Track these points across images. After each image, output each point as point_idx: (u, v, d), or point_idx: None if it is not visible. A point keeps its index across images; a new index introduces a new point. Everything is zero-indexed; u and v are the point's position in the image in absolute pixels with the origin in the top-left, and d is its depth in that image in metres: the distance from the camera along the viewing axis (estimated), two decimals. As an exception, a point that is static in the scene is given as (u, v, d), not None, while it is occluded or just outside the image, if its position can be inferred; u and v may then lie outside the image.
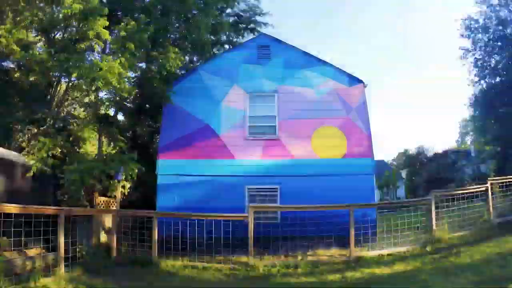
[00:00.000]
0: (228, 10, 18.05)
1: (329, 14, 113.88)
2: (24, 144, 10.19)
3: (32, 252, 6.94)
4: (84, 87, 10.46)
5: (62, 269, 6.23)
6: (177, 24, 12.76)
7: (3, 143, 10.77)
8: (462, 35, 20.92)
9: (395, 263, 6.83)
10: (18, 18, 10.27)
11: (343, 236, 8.21)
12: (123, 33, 9.20)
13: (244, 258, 7.80)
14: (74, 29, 12.56)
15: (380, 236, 10.30)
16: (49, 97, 14.26)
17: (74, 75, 8.91)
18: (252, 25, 18.92)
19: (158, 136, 13.01)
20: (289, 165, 10.47)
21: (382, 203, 14.13)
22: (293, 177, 10.34)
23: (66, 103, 16.05)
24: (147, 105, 13.09)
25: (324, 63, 11.59)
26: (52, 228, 6.41)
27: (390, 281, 5.74)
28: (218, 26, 15.02)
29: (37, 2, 11.19)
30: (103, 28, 9.59)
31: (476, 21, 20.39)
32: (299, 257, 8.22)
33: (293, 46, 11.78)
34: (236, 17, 18.72)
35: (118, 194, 9.41)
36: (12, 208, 5.89)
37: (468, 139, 43.32)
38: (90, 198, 10.33)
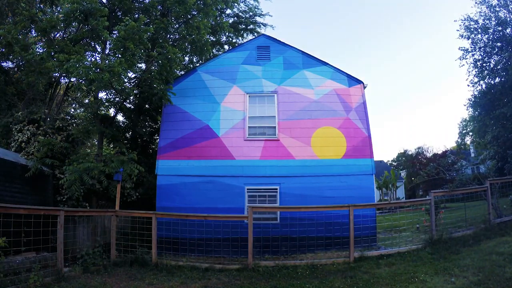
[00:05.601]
0: (228, 11, 18.12)
1: (329, 13, 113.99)
2: (23, 145, 10.19)
3: (31, 252, 6.94)
4: (83, 87, 10.47)
5: (61, 269, 6.23)
6: (177, 25, 12.78)
7: (2, 143, 10.76)
8: (461, 36, 20.93)
9: (395, 263, 6.83)
10: (17, 18, 10.27)
11: (342, 236, 8.21)
12: (122, 33, 9.20)
13: (243, 259, 7.80)
14: (74, 29, 12.59)
15: (380, 236, 10.33)
16: (48, 97, 14.29)
17: (73, 74, 8.89)
18: (251, 26, 18.98)
19: (158, 137, 13.01)
20: (288, 165, 10.47)
21: (382, 203, 14.12)
22: (292, 177, 10.34)
23: (66, 103, 16.07)
24: (147, 105, 13.10)
25: (324, 63, 11.59)
26: (52, 228, 6.41)
27: (390, 281, 5.74)
28: (218, 27, 15.04)
29: (37, 2, 11.21)
30: (103, 28, 9.60)
31: (476, 21, 20.39)
32: (299, 258, 8.22)
33: (293, 47, 11.79)
34: (235, 18, 18.77)
35: (118, 194, 9.40)
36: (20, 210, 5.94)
37: (468, 140, 43.24)
38: (90, 199, 10.33)
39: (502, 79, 19.60)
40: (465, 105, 23.91)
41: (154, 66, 11.55)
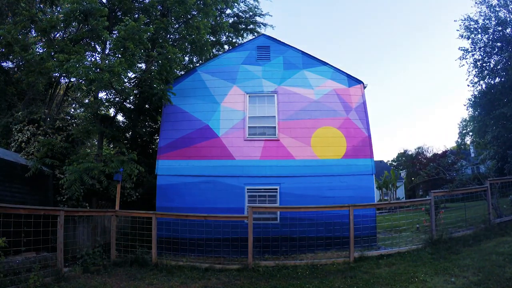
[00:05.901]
0: (228, 11, 18.13)
1: (330, 13, 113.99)
2: (23, 145, 10.19)
3: (31, 252, 6.94)
4: (84, 87, 10.47)
5: (61, 269, 6.23)
6: (177, 25, 12.78)
7: (2, 143, 10.76)
8: (461, 36, 20.94)
9: (395, 263, 6.83)
10: (17, 18, 10.27)
11: (342, 236, 8.21)
12: (122, 33, 9.19)
13: (243, 259, 7.80)
14: (74, 29, 12.59)
15: (380, 236, 10.33)
16: (48, 97, 14.29)
17: (73, 74, 8.90)
18: (251, 26, 18.99)
19: (158, 137, 13.01)
20: (288, 165, 10.46)
21: (382, 203, 14.12)
22: (292, 177, 10.33)
23: (66, 103, 16.07)
24: (147, 105, 13.10)
25: (324, 63, 11.59)
26: (52, 228, 6.41)
27: (390, 281, 5.74)
28: (218, 27, 15.04)
29: (37, 2, 11.20)
30: (103, 28, 9.60)
31: (476, 21, 20.41)
32: (299, 258, 8.21)
33: (293, 47, 11.78)
34: (235, 18, 18.78)
35: (118, 194, 9.40)
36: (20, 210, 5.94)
37: (468, 140, 43.24)
38: (90, 199, 10.33)
39: (502, 79, 19.62)
40: (465, 105, 23.99)
41: (154, 66, 11.55)
